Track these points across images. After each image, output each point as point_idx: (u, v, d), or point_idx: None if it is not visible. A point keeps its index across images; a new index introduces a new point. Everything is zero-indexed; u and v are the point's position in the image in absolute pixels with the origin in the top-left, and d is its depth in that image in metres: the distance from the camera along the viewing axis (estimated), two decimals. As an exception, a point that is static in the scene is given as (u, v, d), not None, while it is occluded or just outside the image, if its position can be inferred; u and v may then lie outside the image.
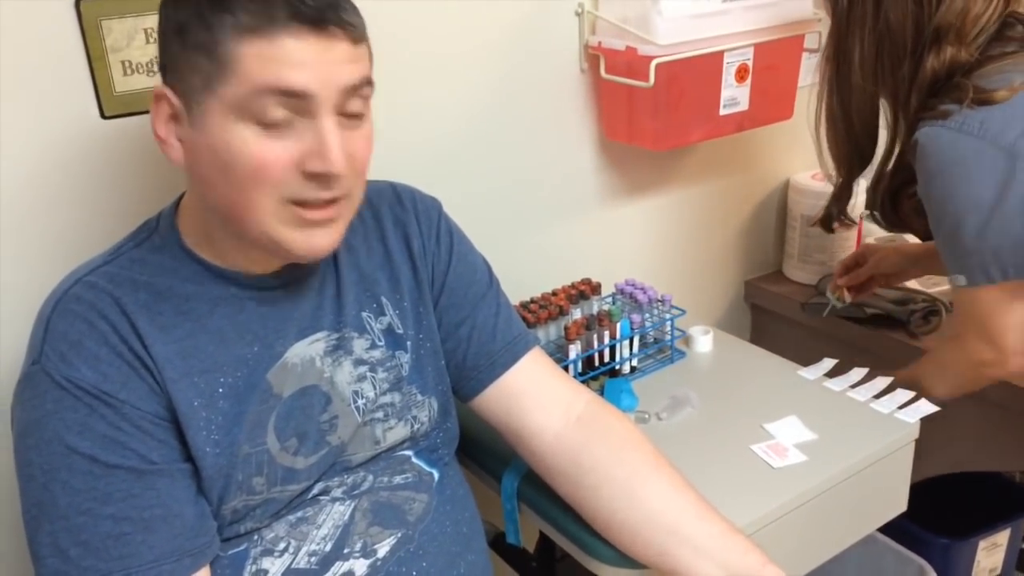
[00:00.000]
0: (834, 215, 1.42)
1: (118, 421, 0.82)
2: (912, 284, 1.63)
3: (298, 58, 0.78)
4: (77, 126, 1.06)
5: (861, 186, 1.40)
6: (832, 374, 1.34)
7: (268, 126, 0.79)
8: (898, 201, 1.30)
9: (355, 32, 0.82)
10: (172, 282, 0.89)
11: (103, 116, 1.07)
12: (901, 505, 1.26)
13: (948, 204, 1.15)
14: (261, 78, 0.78)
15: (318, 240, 0.86)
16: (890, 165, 1.29)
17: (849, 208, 1.43)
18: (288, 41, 0.78)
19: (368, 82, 0.85)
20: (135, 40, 1.06)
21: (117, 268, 0.89)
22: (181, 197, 0.94)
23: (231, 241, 0.89)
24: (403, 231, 1.04)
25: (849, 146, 1.29)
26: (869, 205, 1.37)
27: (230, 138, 0.80)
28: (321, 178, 0.82)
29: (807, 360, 1.38)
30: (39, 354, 0.83)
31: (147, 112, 1.08)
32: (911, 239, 1.60)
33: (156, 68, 1.07)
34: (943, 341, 1.35)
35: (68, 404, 0.81)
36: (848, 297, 1.58)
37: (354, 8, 0.84)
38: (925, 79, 1.17)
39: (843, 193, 1.37)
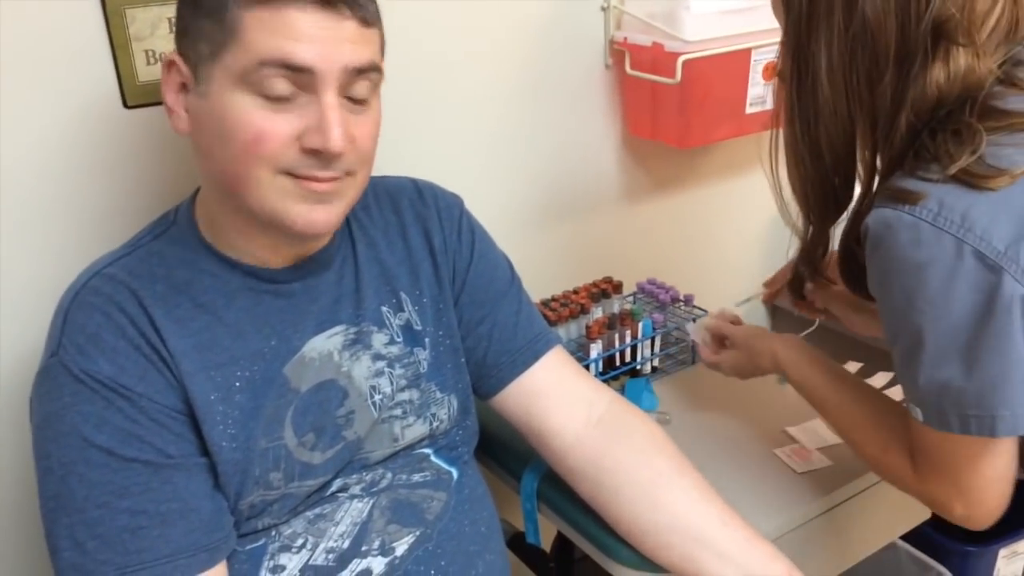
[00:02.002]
0: (805, 275, 1.07)
1: (135, 414, 0.81)
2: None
3: (303, 32, 0.78)
4: (99, 115, 1.05)
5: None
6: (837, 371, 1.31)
7: (270, 99, 0.79)
8: (855, 258, 0.94)
9: (365, 14, 0.81)
10: (190, 275, 0.88)
11: (126, 105, 1.06)
12: (925, 512, 1.24)
13: (908, 317, 0.84)
14: (266, 50, 0.77)
15: (317, 215, 0.84)
16: (860, 209, 0.94)
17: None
18: (293, 13, 0.77)
19: (376, 68, 0.84)
20: (159, 29, 1.05)
21: (135, 261, 0.88)
22: (199, 190, 0.93)
23: (239, 224, 0.88)
24: (424, 227, 1.02)
25: (819, 187, 0.95)
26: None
27: (231, 107, 0.79)
28: (320, 155, 0.81)
29: (830, 363, 1.37)
30: (57, 346, 0.83)
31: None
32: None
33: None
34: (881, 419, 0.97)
35: (85, 397, 0.81)
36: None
37: None
38: (927, 99, 0.84)
39: (814, 247, 1.01)
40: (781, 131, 0.96)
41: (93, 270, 0.87)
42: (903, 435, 0.93)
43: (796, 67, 0.90)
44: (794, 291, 1.13)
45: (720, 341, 1.22)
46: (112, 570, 0.79)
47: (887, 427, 0.96)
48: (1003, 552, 1.64)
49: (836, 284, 1.09)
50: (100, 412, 0.80)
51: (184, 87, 0.84)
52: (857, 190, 0.94)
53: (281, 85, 0.79)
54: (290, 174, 0.82)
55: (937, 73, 0.83)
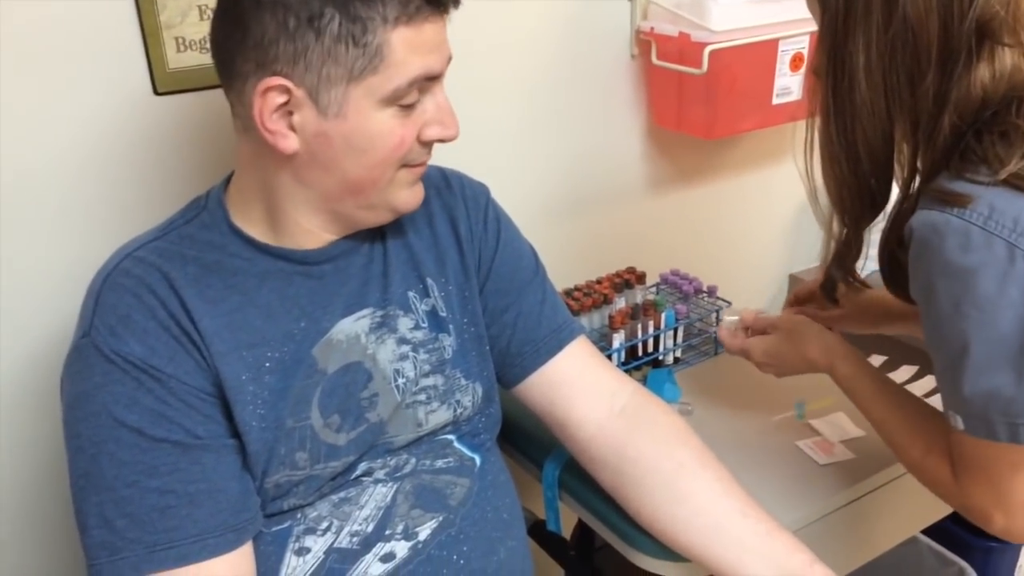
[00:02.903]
0: (838, 279, 1.02)
1: (165, 395, 0.82)
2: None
3: (433, 42, 0.84)
4: (130, 102, 1.06)
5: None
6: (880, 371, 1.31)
7: (404, 107, 0.85)
8: (897, 261, 0.92)
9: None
10: (220, 257, 0.89)
11: (156, 92, 1.07)
12: (947, 507, 1.23)
13: (954, 323, 0.81)
14: (416, 68, 0.83)
15: (419, 192, 0.93)
16: (901, 210, 0.91)
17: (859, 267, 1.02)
18: (427, 27, 0.83)
19: None
20: (189, 16, 1.06)
21: (167, 244, 0.89)
22: (231, 176, 0.94)
23: (307, 211, 0.90)
24: (450, 215, 1.03)
25: (855, 188, 0.92)
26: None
27: (376, 123, 0.84)
28: (431, 144, 0.90)
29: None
30: (89, 327, 0.84)
31: (199, 89, 1.09)
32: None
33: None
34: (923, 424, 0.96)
35: (116, 377, 0.82)
36: None
37: None
38: (971, 99, 0.81)
39: (848, 250, 0.97)
40: (816, 130, 0.93)
41: (124, 252, 0.89)
42: (945, 443, 0.91)
43: (833, 66, 0.87)
44: (827, 294, 1.07)
45: (745, 330, 1.19)
46: (141, 548, 0.80)
47: (931, 433, 0.94)
48: (1026, 548, 1.63)
49: (868, 288, 1.08)
50: (131, 392, 0.81)
51: (285, 108, 0.82)
52: (895, 192, 0.92)
53: (415, 94, 0.85)
54: (405, 165, 0.89)
55: (982, 73, 0.81)
